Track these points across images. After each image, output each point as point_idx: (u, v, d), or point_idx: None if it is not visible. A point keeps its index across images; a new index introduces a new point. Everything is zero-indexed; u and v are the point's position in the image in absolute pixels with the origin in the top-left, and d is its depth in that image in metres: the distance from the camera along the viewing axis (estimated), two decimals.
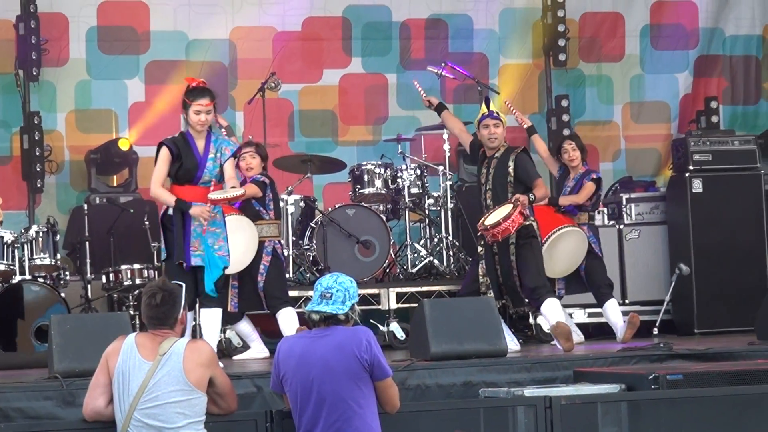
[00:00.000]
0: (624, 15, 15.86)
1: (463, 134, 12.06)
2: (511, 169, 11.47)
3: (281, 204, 12.65)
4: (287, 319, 11.51)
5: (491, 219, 11.31)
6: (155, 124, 14.33)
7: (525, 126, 12.73)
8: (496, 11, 15.55)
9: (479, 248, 11.58)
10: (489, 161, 11.61)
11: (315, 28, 15.17)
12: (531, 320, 12.83)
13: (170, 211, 10.42)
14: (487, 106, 11.64)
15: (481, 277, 11.49)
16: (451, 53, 15.18)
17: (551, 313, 11.37)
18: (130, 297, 12.78)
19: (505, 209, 11.29)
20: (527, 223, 11.38)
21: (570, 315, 12.65)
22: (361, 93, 15.26)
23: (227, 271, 11.04)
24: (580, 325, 12.71)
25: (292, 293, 12.02)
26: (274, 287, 11.73)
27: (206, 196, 10.34)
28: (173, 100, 13.62)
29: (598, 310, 12.63)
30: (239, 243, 11.46)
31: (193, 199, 10.35)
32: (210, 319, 10.71)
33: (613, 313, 12.31)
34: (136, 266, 12.96)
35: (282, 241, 12.11)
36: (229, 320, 11.80)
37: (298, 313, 11.58)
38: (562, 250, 12.13)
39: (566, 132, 14.87)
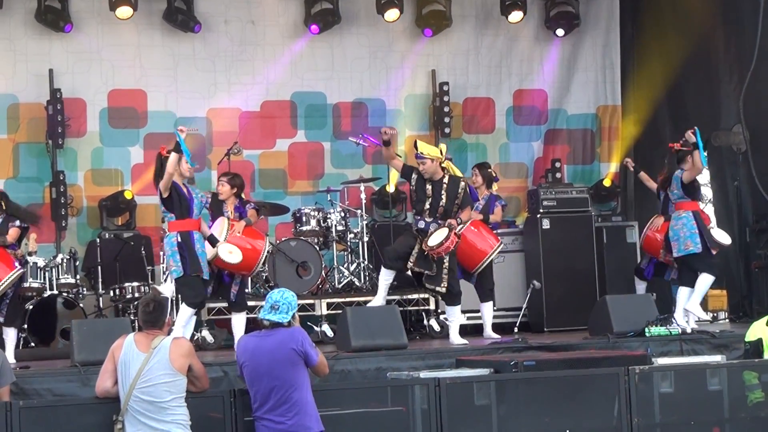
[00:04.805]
0: (494, 99, 15.76)
1: (397, 163, 11.72)
2: (461, 194, 11.38)
3: None
4: None
5: (434, 240, 11.17)
6: (151, 180, 13.93)
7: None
8: (402, 96, 15.46)
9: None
10: (436, 183, 11.37)
11: (270, 108, 15.03)
12: (425, 322, 12.83)
13: (179, 238, 10.53)
14: (416, 148, 11.49)
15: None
16: (370, 127, 14.99)
17: (453, 316, 11.40)
18: (131, 306, 12.69)
19: (443, 233, 11.18)
20: (458, 241, 11.30)
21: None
22: (305, 156, 15.09)
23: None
24: (461, 326, 12.73)
25: (250, 303, 11.82)
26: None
27: (198, 226, 10.70)
28: None
29: (474, 314, 12.67)
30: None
31: (188, 228, 10.60)
32: (183, 314, 10.73)
33: (486, 314, 12.28)
34: (135, 284, 12.86)
35: None
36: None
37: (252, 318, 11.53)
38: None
39: None
